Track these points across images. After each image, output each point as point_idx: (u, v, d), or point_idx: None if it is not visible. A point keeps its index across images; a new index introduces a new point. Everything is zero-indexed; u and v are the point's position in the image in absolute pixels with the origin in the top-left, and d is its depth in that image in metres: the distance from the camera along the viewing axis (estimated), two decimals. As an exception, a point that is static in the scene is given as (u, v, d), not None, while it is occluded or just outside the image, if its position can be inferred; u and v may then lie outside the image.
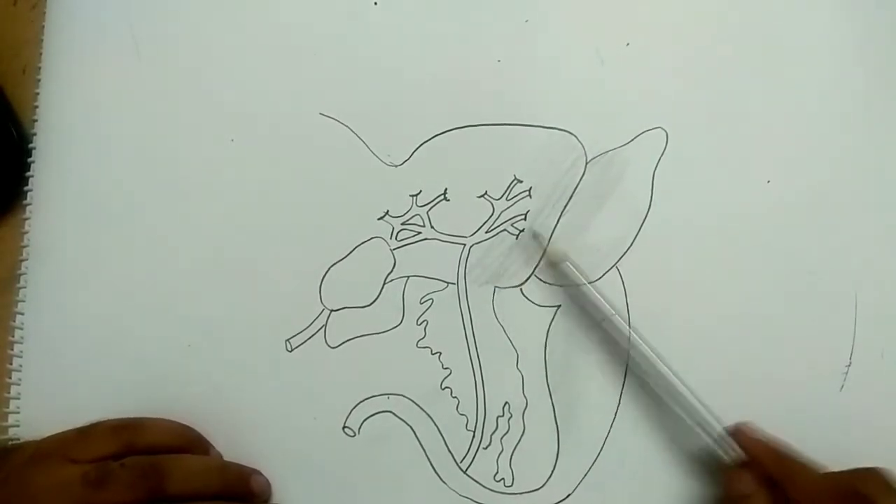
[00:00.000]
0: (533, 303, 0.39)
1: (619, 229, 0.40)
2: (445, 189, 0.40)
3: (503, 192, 0.40)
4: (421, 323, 0.39)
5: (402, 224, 0.40)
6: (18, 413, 0.38)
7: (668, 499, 0.38)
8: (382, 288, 0.39)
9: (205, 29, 0.42)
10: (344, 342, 0.39)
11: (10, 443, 0.38)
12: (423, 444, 0.38)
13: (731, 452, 0.36)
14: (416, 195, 0.40)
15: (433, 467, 0.38)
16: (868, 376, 0.39)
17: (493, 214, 0.40)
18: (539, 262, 0.40)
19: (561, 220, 0.40)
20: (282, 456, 0.38)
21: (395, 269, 0.40)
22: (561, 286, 0.40)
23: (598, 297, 0.38)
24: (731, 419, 0.37)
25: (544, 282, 0.40)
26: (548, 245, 0.39)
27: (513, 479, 0.38)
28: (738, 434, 0.36)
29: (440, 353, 0.39)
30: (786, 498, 0.34)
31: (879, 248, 0.40)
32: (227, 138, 0.41)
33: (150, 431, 0.36)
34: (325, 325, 0.39)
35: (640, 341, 0.37)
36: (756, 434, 0.36)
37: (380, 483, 0.38)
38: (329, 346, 0.39)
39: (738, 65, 0.42)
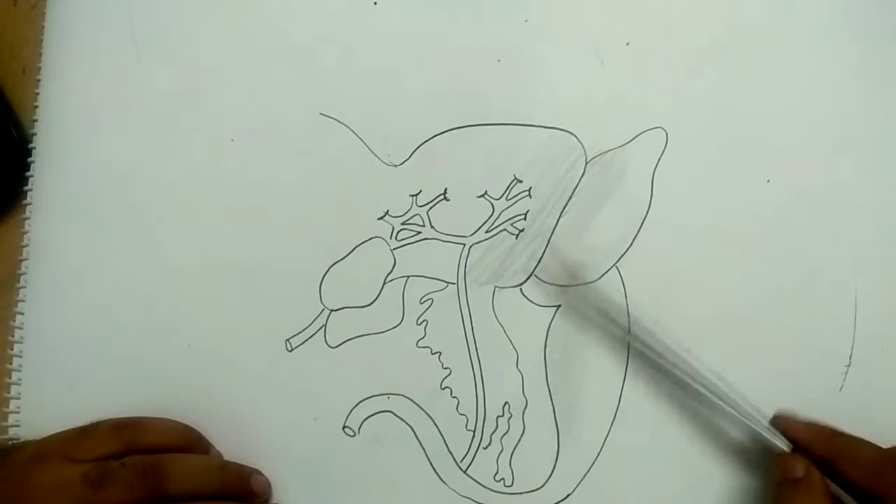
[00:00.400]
0: (533, 303, 0.39)
1: (619, 229, 0.40)
2: (445, 189, 0.40)
3: (503, 191, 0.40)
4: (421, 323, 0.39)
5: (402, 224, 0.40)
6: (18, 413, 0.38)
7: (668, 498, 0.38)
8: (382, 288, 0.39)
9: (205, 29, 0.42)
10: (344, 342, 0.39)
11: (10, 442, 0.38)
12: (423, 444, 0.38)
13: (778, 442, 0.36)
14: (416, 195, 0.40)
15: (433, 467, 0.38)
16: (868, 376, 0.39)
17: (492, 214, 0.40)
18: (538, 263, 0.40)
19: (561, 220, 0.40)
20: (282, 456, 0.38)
21: (395, 269, 0.40)
22: (561, 286, 0.40)
23: (608, 317, 0.38)
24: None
25: (544, 282, 0.40)
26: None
27: (513, 478, 0.38)
28: (781, 422, 0.36)
29: (440, 353, 0.39)
30: (840, 478, 0.34)
31: (879, 247, 0.40)
32: (227, 138, 0.41)
33: (150, 431, 0.36)
34: (325, 325, 0.39)
35: (672, 346, 0.37)
36: (799, 420, 0.36)
37: (380, 483, 0.38)
38: (329, 346, 0.39)
39: (738, 65, 0.42)
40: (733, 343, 0.39)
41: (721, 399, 0.37)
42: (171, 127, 0.41)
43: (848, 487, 0.34)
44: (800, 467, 0.34)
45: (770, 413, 0.37)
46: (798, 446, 0.35)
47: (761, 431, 0.36)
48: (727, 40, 0.42)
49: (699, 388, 0.37)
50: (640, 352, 0.38)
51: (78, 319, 0.39)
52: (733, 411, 0.36)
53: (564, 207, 0.40)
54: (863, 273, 0.40)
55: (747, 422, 0.36)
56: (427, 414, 0.38)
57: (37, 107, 0.42)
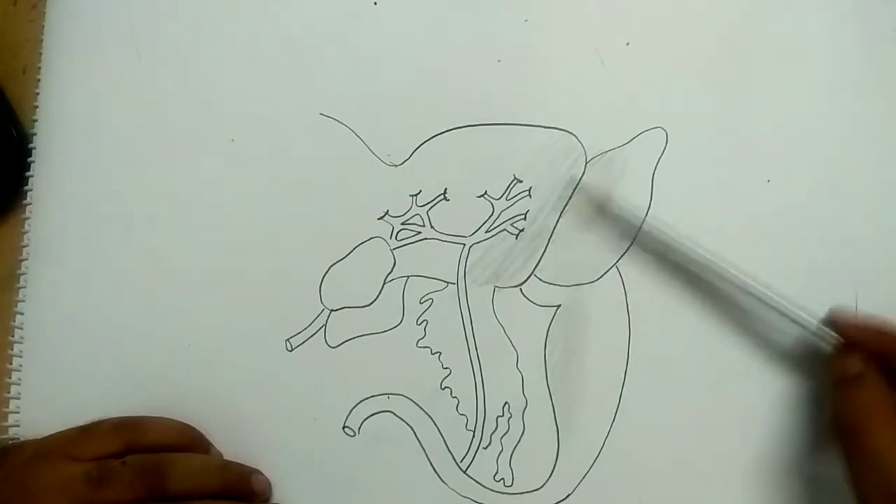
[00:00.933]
0: (533, 303, 0.39)
1: (619, 229, 0.40)
2: (445, 189, 0.40)
3: (503, 191, 0.40)
4: (421, 323, 0.39)
5: (402, 224, 0.40)
6: (18, 413, 0.38)
7: (668, 498, 0.38)
8: (382, 288, 0.39)
9: (205, 29, 0.42)
10: (344, 342, 0.39)
11: (9, 442, 0.38)
12: (423, 443, 0.38)
13: (831, 340, 0.35)
14: (416, 195, 0.40)
15: (433, 467, 0.38)
16: (868, 376, 0.39)
17: (492, 214, 0.40)
18: (538, 263, 0.40)
19: (561, 220, 0.40)
20: (282, 456, 0.38)
21: (394, 269, 0.40)
22: (561, 286, 0.40)
23: (661, 230, 0.38)
24: (734, 412, 0.37)
25: (544, 282, 0.40)
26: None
27: (513, 478, 0.38)
28: (836, 320, 0.36)
29: (440, 353, 0.39)
30: None
31: (879, 247, 0.40)
32: (227, 138, 0.41)
33: (151, 430, 0.36)
34: (325, 325, 0.39)
35: (711, 258, 0.37)
36: (853, 316, 0.36)
37: (380, 483, 0.38)
38: (329, 345, 0.39)
39: (738, 64, 0.42)
40: (733, 342, 0.39)
41: (770, 296, 0.36)
42: (170, 127, 0.41)
43: None
44: (856, 364, 0.34)
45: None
46: (850, 344, 0.35)
47: (809, 329, 0.35)
48: (727, 40, 0.42)
49: (750, 285, 0.37)
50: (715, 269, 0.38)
51: (78, 319, 0.39)
52: (784, 304, 0.36)
53: (564, 207, 0.40)
54: (863, 273, 0.40)
55: (796, 319, 0.36)
56: (427, 414, 0.38)
57: (37, 107, 0.42)
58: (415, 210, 0.40)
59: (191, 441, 0.37)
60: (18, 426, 0.38)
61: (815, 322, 0.36)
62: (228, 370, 0.39)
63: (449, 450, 0.38)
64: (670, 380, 0.39)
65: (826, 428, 0.34)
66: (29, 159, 0.41)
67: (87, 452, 0.35)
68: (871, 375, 0.34)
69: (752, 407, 0.38)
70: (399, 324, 0.39)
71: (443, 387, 0.39)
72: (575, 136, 0.41)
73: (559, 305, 0.39)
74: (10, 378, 0.39)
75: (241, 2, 0.42)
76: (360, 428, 0.38)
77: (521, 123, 0.41)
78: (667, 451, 0.38)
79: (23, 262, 0.40)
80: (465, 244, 0.40)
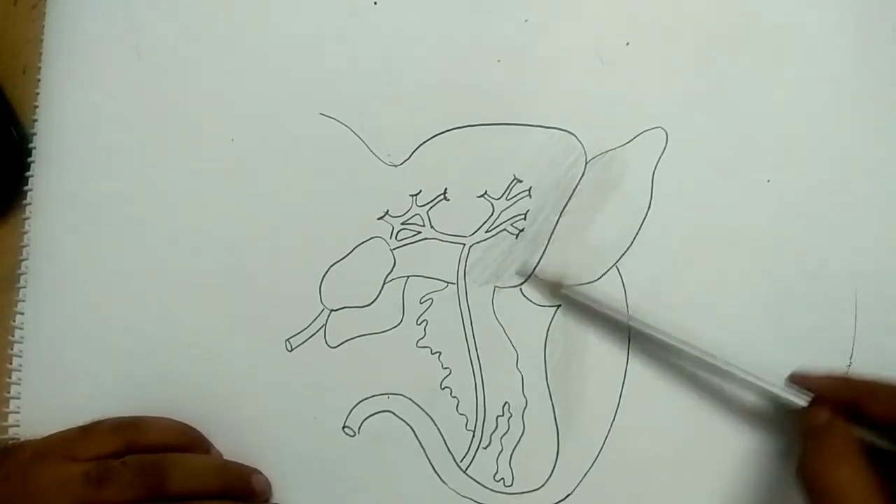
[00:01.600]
0: (533, 303, 0.39)
1: (619, 229, 0.40)
2: (445, 189, 0.40)
3: (503, 191, 0.40)
4: (421, 323, 0.39)
5: (402, 224, 0.40)
6: (18, 413, 0.38)
7: (668, 497, 0.38)
8: (382, 288, 0.39)
9: (205, 29, 0.42)
10: (344, 342, 0.39)
11: (9, 442, 0.38)
12: (423, 443, 0.38)
13: (795, 399, 0.36)
14: (416, 195, 0.40)
15: (433, 467, 0.38)
16: (869, 376, 0.39)
17: (492, 214, 0.40)
18: (538, 263, 0.40)
19: (561, 220, 0.40)
20: (282, 456, 0.38)
21: (394, 269, 0.40)
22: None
23: (608, 307, 0.38)
24: (733, 413, 0.37)
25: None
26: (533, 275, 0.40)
27: (513, 478, 0.38)
28: (798, 377, 0.36)
29: (440, 353, 0.39)
30: (866, 418, 0.34)
31: (879, 248, 0.40)
32: (227, 138, 0.41)
33: (151, 430, 0.36)
34: (325, 325, 0.39)
35: (666, 336, 0.37)
36: (815, 372, 0.36)
37: (380, 483, 0.38)
38: (329, 345, 0.39)
39: (738, 65, 0.42)
40: (733, 343, 0.39)
41: (733, 364, 0.36)
42: (171, 127, 0.41)
43: (875, 426, 0.34)
44: (823, 415, 0.34)
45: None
46: (818, 398, 0.35)
47: (777, 391, 0.36)
48: (727, 40, 0.42)
49: (709, 358, 0.37)
50: (643, 333, 0.38)
51: (78, 319, 0.39)
52: (747, 375, 0.36)
53: (564, 207, 0.40)
54: (863, 273, 0.40)
55: (762, 383, 0.36)
56: (427, 414, 0.38)
57: (37, 107, 0.42)
58: (415, 210, 0.40)
59: (191, 441, 0.37)
60: (18, 426, 0.38)
61: (780, 385, 0.36)
62: (228, 370, 0.39)
63: (449, 450, 0.38)
64: (670, 380, 0.39)
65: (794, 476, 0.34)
66: (29, 159, 0.41)
67: (87, 452, 0.35)
68: (836, 425, 0.34)
69: (748, 406, 0.38)
70: (399, 324, 0.39)
71: (443, 387, 0.39)
72: (575, 136, 0.41)
73: (559, 305, 0.39)
74: (10, 378, 0.39)
75: (241, 2, 0.42)
76: (360, 428, 0.38)
77: (521, 123, 0.41)
78: (667, 451, 0.38)
79: (23, 262, 0.40)
80: (465, 244, 0.40)
